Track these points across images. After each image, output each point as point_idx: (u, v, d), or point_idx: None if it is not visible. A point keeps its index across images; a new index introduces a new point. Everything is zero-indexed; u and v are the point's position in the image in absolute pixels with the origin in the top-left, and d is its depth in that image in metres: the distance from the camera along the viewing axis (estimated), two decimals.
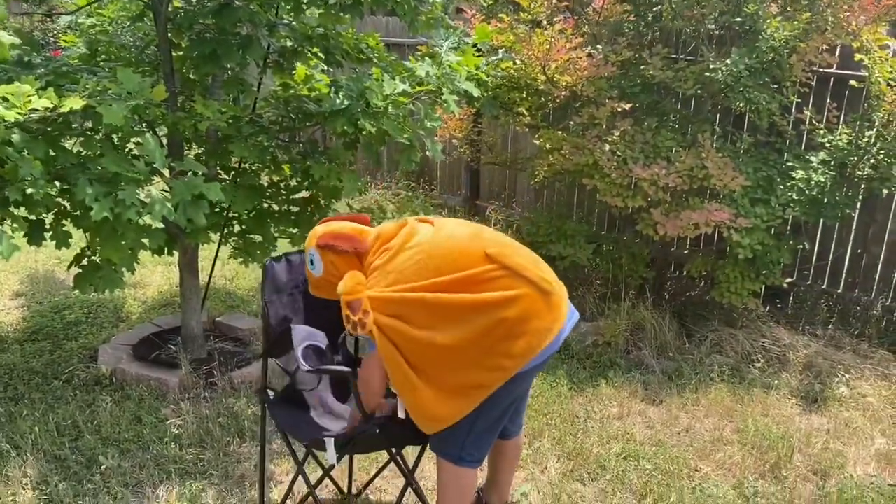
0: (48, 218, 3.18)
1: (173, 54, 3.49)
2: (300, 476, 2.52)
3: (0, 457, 3.02)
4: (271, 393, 2.62)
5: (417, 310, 2.21)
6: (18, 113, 2.40)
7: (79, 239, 3.25)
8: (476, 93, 3.46)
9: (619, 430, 3.49)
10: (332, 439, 2.34)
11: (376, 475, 2.92)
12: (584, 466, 3.18)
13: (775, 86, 4.31)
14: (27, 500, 2.80)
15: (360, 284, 2.23)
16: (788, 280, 4.60)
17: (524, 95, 4.75)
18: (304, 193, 3.77)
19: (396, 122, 3.16)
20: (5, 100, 2.39)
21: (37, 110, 2.51)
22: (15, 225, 2.83)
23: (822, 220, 4.66)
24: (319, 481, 2.64)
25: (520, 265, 2.27)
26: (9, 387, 3.63)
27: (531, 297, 2.26)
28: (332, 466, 2.50)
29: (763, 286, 4.48)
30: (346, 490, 2.94)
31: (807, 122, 4.50)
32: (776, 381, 4.00)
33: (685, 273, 4.93)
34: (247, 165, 3.77)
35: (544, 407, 3.63)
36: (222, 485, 2.95)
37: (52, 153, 2.94)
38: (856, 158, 4.24)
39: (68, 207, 3.12)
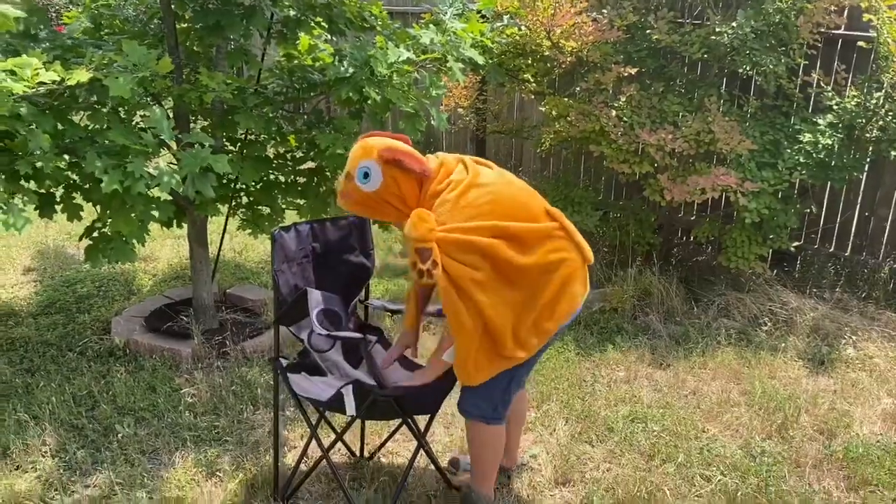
0: (58, 192, 3.21)
1: (177, 26, 3.49)
2: (314, 440, 2.57)
3: (19, 426, 3.08)
4: (284, 361, 2.65)
5: (484, 259, 2.18)
6: (26, 86, 2.41)
7: (89, 213, 3.28)
8: (481, 60, 3.45)
9: (626, 394, 3.53)
10: (351, 390, 2.38)
11: (388, 438, 2.97)
12: (593, 429, 3.22)
13: (782, 48, 4.28)
14: (47, 467, 2.86)
15: (432, 231, 2.13)
16: (795, 244, 4.60)
17: (530, 62, 4.72)
18: (310, 164, 3.78)
19: (401, 91, 3.16)
20: (13, 73, 2.40)
21: (44, 83, 2.52)
22: (26, 198, 2.85)
23: (829, 184, 4.65)
24: (332, 445, 2.69)
25: (573, 229, 2.36)
26: (24, 359, 3.69)
27: (577, 261, 2.35)
28: (352, 421, 2.59)
29: (770, 250, 4.49)
30: (358, 453, 2.99)
31: (814, 85, 4.46)
32: (783, 344, 4.03)
33: (693, 238, 4.94)
34: (253, 137, 3.78)
35: (552, 372, 3.67)
36: (237, 451, 3.00)
37: (59, 127, 2.96)
38: (864, 121, 4.22)
39: (77, 181, 3.14)
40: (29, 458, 2.91)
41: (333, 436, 2.75)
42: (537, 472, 2.91)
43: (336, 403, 2.43)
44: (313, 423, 2.59)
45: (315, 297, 2.40)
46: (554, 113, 4.58)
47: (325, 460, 2.55)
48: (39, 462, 2.89)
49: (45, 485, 2.77)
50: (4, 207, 2.66)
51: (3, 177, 2.77)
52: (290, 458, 2.97)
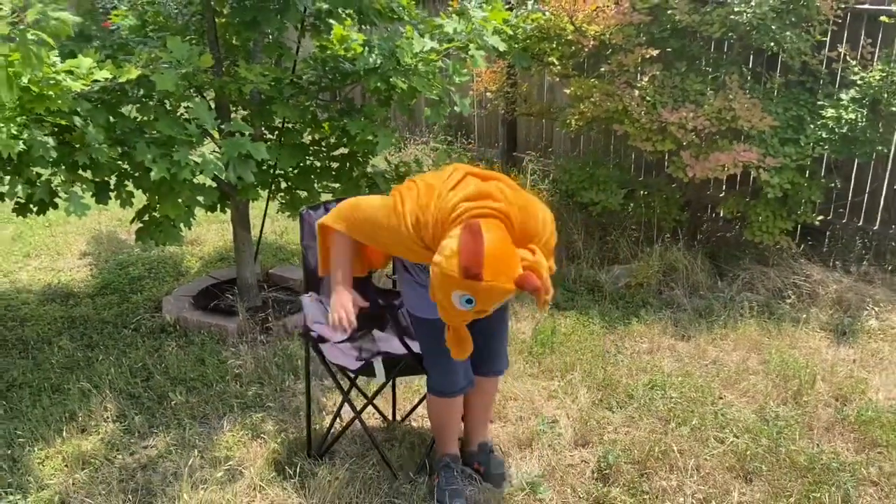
0: (112, 180, 3.47)
1: (216, 21, 3.71)
2: (346, 404, 2.80)
3: (83, 395, 3.37)
4: (315, 333, 2.87)
5: None
6: (83, 84, 2.66)
7: (140, 199, 3.54)
8: (502, 47, 3.61)
9: (647, 364, 3.68)
10: (380, 359, 2.62)
11: (419, 403, 3.18)
12: (613, 396, 3.39)
13: (804, 24, 4.33)
14: (110, 430, 3.15)
15: None
16: (819, 218, 4.67)
17: (554, 45, 4.85)
18: (343, 150, 3.99)
19: (426, 79, 3.34)
20: (70, 73, 2.65)
21: (98, 81, 2.77)
22: (84, 187, 3.12)
23: (856, 158, 4.70)
24: (363, 408, 2.92)
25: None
26: (84, 335, 3.99)
27: None
28: (382, 386, 2.81)
29: (796, 224, 4.57)
30: (390, 417, 3.21)
31: (840, 61, 4.50)
32: (805, 316, 4.12)
33: (719, 214, 5.03)
34: (289, 125, 4.00)
35: (577, 343, 3.84)
36: (280, 416, 3.25)
37: (111, 120, 3.22)
38: (888, 95, 4.25)
39: (129, 169, 3.40)
40: (93, 422, 3.19)
41: (365, 400, 2.98)
42: (558, 435, 3.09)
43: (366, 370, 2.66)
44: (345, 388, 2.82)
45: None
46: (579, 94, 4.71)
47: (357, 422, 2.77)
48: (102, 426, 3.18)
49: (108, 446, 3.05)
50: (66, 196, 2.93)
51: (64, 167, 3.03)
52: (326, 422, 3.20)
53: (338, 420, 3.08)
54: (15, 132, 2.61)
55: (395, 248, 2.41)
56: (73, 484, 2.83)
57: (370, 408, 3.10)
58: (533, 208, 2.32)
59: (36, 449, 3.02)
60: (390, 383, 3.06)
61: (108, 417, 3.23)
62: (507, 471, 2.87)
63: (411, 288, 2.61)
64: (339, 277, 2.49)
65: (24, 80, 2.43)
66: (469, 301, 2.14)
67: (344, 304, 2.45)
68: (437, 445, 2.81)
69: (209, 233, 5.49)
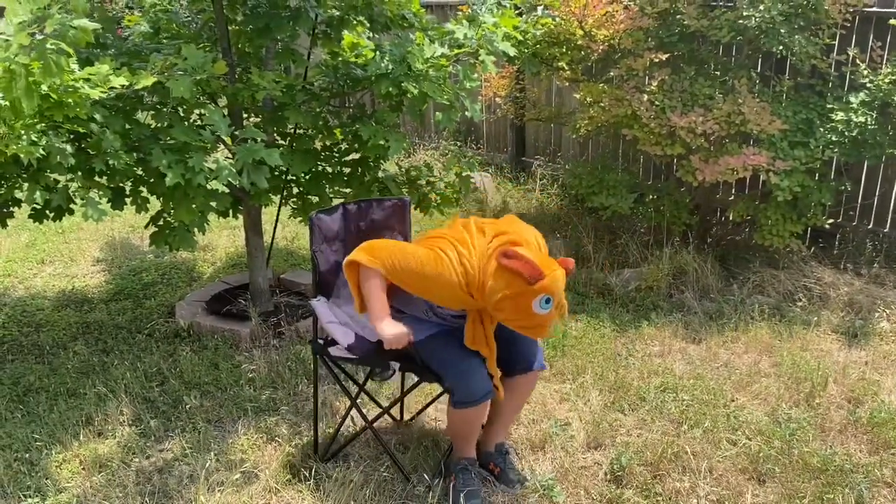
0: (127, 186, 3.51)
1: (229, 29, 3.76)
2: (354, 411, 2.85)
3: (99, 399, 3.40)
4: (321, 341, 2.90)
5: None
6: (101, 91, 2.69)
7: (155, 204, 3.58)
8: (512, 52, 3.63)
9: (659, 366, 3.69)
10: (397, 365, 2.72)
11: (429, 405, 3.21)
12: (625, 398, 3.40)
13: (814, 27, 4.34)
14: (126, 434, 3.18)
15: None
16: (830, 221, 4.67)
17: (564, 50, 4.88)
18: (355, 155, 4.02)
19: (437, 85, 3.36)
20: (88, 80, 2.69)
21: (114, 88, 2.80)
22: (100, 192, 3.16)
23: (865, 161, 4.70)
24: (377, 417, 2.93)
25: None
26: (99, 340, 4.03)
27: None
28: (401, 396, 2.92)
29: (806, 228, 4.57)
30: (398, 418, 3.24)
31: (849, 64, 4.51)
32: (816, 318, 4.12)
33: (729, 218, 5.04)
34: (302, 131, 4.04)
35: (588, 346, 3.85)
36: (293, 419, 3.27)
37: (127, 126, 3.26)
38: None
39: (144, 175, 3.44)
40: (109, 426, 3.23)
41: (374, 404, 3.00)
42: (570, 438, 3.10)
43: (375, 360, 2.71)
44: (353, 395, 2.87)
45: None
46: (588, 99, 4.74)
47: (369, 430, 2.83)
48: (118, 430, 3.21)
49: (125, 449, 3.08)
50: (83, 201, 2.97)
51: (81, 173, 3.07)
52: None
53: (351, 423, 3.11)
54: (35, 139, 2.65)
55: (440, 294, 2.52)
56: (91, 487, 2.86)
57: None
58: (529, 234, 2.56)
59: (53, 452, 3.06)
60: (398, 383, 3.09)
61: (123, 421, 3.27)
62: (523, 472, 2.89)
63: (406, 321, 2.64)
64: (381, 309, 2.54)
65: (44, 88, 2.47)
66: (548, 301, 2.34)
67: (400, 332, 2.51)
68: (455, 450, 2.80)
69: (221, 238, 5.53)
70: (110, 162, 3.03)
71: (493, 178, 6.51)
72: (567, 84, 5.44)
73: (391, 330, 2.50)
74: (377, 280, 2.53)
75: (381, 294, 2.54)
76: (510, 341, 2.71)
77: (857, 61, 4.45)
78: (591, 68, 5.14)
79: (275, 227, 4.48)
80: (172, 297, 4.53)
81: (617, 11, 4.55)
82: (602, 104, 4.55)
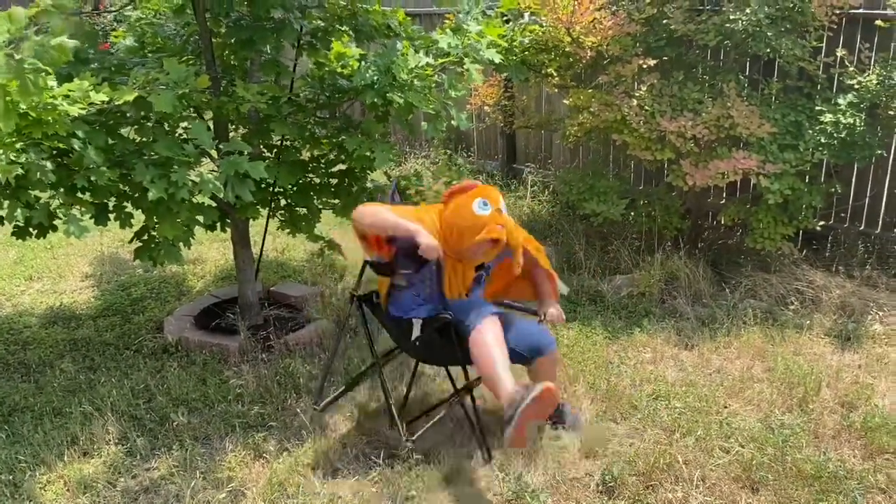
0: (111, 201, 3.47)
1: (213, 41, 3.73)
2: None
3: (85, 417, 3.36)
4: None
5: None
6: (80, 108, 2.66)
7: (140, 218, 3.54)
8: (497, 59, 3.61)
9: (651, 374, 3.66)
10: (420, 321, 2.91)
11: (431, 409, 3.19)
12: (617, 407, 3.37)
13: (801, 29, 4.33)
14: (111, 453, 3.14)
15: None
16: (821, 223, 4.65)
17: (552, 57, 4.86)
18: (342, 166, 4.00)
19: (422, 94, 3.34)
20: (67, 96, 2.66)
21: (95, 104, 2.78)
22: (83, 209, 3.12)
23: (855, 163, 4.69)
24: (459, 391, 3.09)
25: None
26: (86, 357, 3.99)
27: None
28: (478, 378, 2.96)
29: (797, 230, 4.55)
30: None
31: (837, 65, 4.50)
32: (809, 322, 4.10)
33: (721, 222, 5.02)
34: (288, 143, 4.01)
35: (579, 355, 3.83)
36: (282, 435, 3.24)
37: (110, 141, 3.23)
38: (886, 99, 4.24)
39: (128, 190, 3.40)
40: (95, 445, 3.18)
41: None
42: (562, 448, 3.07)
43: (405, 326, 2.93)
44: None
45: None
46: (577, 105, 4.71)
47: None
48: (104, 449, 3.17)
49: (110, 469, 3.04)
50: (65, 218, 2.93)
51: (63, 190, 3.04)
52: (330, 435, 3.18)
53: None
54: (13, 157, 2.61)
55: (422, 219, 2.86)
56: None
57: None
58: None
59: (38, 474, 3.01)
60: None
61: (109, 440, 3.23)
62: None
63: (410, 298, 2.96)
64: (408, 223, 2.78)
65: (23, 106, 2.44)
66: (485, 203, 2.79)
67: (436, 243, 2.75)
68: (500, 391, 2.62)
69: (211, 251, 5.49)
70: (92, 178, 2.99)
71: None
72: (556, 91, 5.42)
73: (430, 239, 2.71)
74: (380, 208, 2.91)
75: (395, 213, 2.83)
76: (524, 334, 2.94)
77: (846, 62, 4.44)
78: (579, 75, 5.12)
79: (263, 240, 4.45)
80: (161, 312, 4.49)
81: (604, 18, 4.54)
82: (591, 110, 4.53)
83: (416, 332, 2.91)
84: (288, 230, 4.17)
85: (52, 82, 2.54)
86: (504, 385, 2.61)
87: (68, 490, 2.93)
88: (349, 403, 3.44)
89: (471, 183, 2.87)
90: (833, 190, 4.70)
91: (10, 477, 3.00)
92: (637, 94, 4.43)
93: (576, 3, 4.50)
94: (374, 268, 3.02)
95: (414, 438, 3.03)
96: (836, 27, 4.40)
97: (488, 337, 2.72)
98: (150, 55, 3.91)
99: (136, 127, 3.43)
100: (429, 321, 2.89)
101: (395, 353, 3.37)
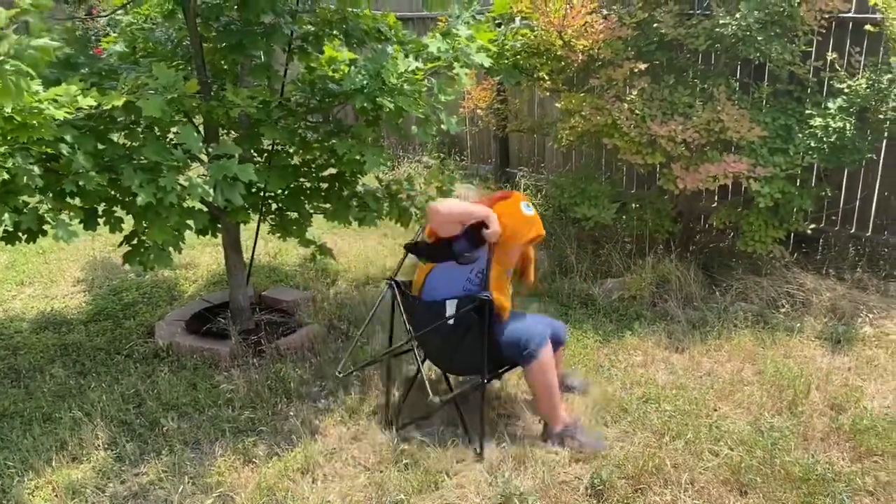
0: (100, 206, 3.47)
1: (204, 46, 3.73)
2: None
3: (74, 423, 3.35)
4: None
5: None
6: (67, 112, 2.66)
7: (131, 224, 3.54)
8: (487, 63, 3.61)
9: (641, 377, 3.67)
10: (455, 301, 3.08)
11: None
12: (607, 410, 3.37)
13: (790, 33, 4.35)
14: (101, 459, 3.13)
15: None
16: (812, 226, 4.67)
17: (544, 60, 4.87)
18: (332, 170, 4.00)
19: (412, 98, 3.34)
20: (55, 101, 2.66)
21: (82, 109, 2.77)
22: (72, 214, 3.12)
23: (845, 167, 4.70)
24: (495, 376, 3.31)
25: None
26: (77, 362, 3.98)
27: None
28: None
29: (788, 233, 4.56)
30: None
31: (826, 69, 4.52)
32: (799, 325, 4.11)
33: (712, 225, 5.03)
34: (279, 147, 4.01)
35: (570, 358, 3.83)
36: (272, 440, 3.23)
37: (99, 146, 3.22)
38: (875, 103, 4.26)
39: (117, 195, 3.40)
40: (84, 451, 3.18)
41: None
42: (552, 452, 3.07)
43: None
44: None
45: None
46: (569, 108, 4.72)
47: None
48: (93, 454, 3.16)
49: (99, 474, 3.03)
50: (54, 223, 2.93)
51: (51, 195, 3.03)
52: (320, 444, 3.18)
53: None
54: None
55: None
56: None
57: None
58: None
59: (26, 479, 3.00)
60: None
61: (99, 445, 3.22)
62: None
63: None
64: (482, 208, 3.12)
65: (7, 109, 2.44)
66: (528, 205, 3.16)
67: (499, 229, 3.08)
68: (553, 419, 3.17)
69: (203, 256, 5.49)
70: (81, 183, 2.99)
71: (478, 189, 6.49)
72: (548, 94, 5.43)
73: (497, 225, 3.04)
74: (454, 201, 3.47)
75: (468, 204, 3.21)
76: (555, 326, 3.36)
77: (836, 66, 4.46)
78: (571, 78, 5.14)
79: (254, 244, 4.45)
80: (152, 317, 4.48)
81: (595, 21, 4.55)
82: (583, 113, 4.54)
83: (449, 311, 3.08)
84: (279, 234, 4.16)
85: (37, 86, 2.54)
86: (561, 413, 3.18)
87: (56, 496, 2.92)
88: (340, 407, 3.44)
89: (507, 192, 3.27)
90: (823, 193, 4.72)
91: None
92: (628, 99, 4.44)
93: (567, 6, 4.51)
94: (424, 252, 3.27)
95: (401, 426, 3.22)
96: (825, 31, 4.42)
97: (552, 365, 3.15)
98: (141, 60, 3.90)
99: (125, 132, 3.43)
100: (464, 300, 3.07)
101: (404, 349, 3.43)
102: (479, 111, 5.81)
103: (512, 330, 3.13)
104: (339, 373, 3.46)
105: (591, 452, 3.06)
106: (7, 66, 2.04)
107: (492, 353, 3.09)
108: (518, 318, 3.21)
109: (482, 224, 3.04)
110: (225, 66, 3.98)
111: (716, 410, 3.38)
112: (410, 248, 3.29)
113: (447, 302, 3.10)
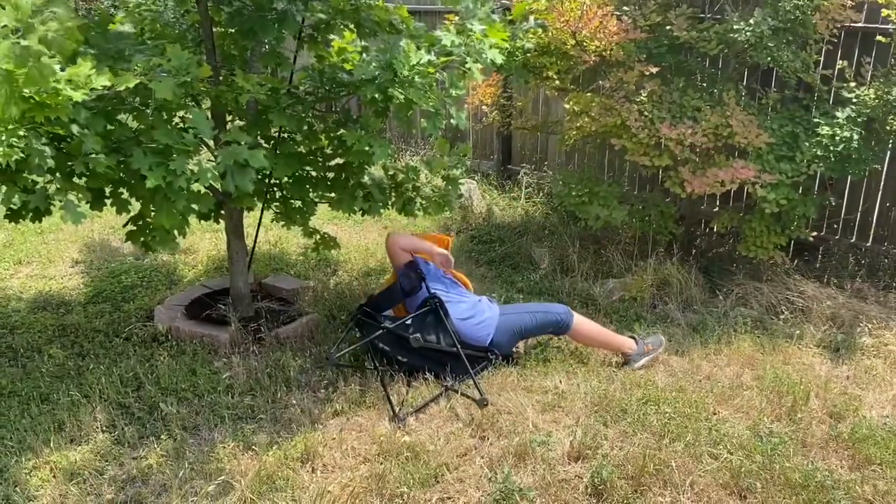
0: (108, 188, 3.45)
1: (214, 30, 3.71)
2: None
3: (73, 404, 3.34)
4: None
5: None
6: (84, 93, 2.63)
7: (136, 207, 3.52)
8: (499, 60, 3.60)
9: (641, 378, 3.67)
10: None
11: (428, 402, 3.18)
12: (607, 410, 3.37)
13: (804, 41, 4.35)
14: (99, 441, 3.12)
15: None
16: (814, 234, 4.68)
17: (553, 60, 4.85)
18: (339, 160, 3.99)
19: (422, 91, 3.33)
20: (70, 81, 2.63)
21: (96, 90, 2.74)
22: (80, 195, 3.10)
23: (850, 176, 4.71)
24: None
25: None
26: (75, 344, 3.96)
27: None
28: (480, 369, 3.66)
29: (790, 241, 4.58)
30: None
31: (835, 78, 4.52)
32: (799, 332, 4.12)
33: (714, 229, 5.04)
34: (286, 135, 3.99)
35: (570, 357, 3.83)
36: (271, 427, 3.23)
37: (109, 128, 3.20)
38: (882, 113, 4.27)
39: (124, 177, 3.38)
40: (82, 432, 3.16)
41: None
42: (551, 449, 3.07)
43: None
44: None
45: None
46: (577, 109, 4.72)
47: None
48: (92, 436, 3.15)
49: (98, 457, 3.02)
50: (62, 204, 2.91)
51: (60, 175, 3.01)
52: (320, 435, 3.17)
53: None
54: (14, 141, 2.58)
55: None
56: (61, 495, 2.80)
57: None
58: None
59: (24, 459, 2.99)
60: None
61: (98, 428, 3.20)
62: None
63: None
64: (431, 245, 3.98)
65: (27, 91, 2.41)
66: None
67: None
68: (621, 347, 3.84)
69: (203, 241, 5.47)
70: (90, 164, 2.97)
71: (479, 185, 6.49)
72: (555, 94, 5.42)
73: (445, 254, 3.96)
74: (408, 236, 4.07)
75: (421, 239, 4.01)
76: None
77: (846, 75, 4.46)
78: (578, 78, 5.13)
79: (257, 231, 4.43)
80: (152, 301, 4.46)
81: (610, 23, 4.54)
82: (592, 114, 4.54)
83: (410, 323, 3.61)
84: (282, 223, 4.15)
85: (55, 66, 2.51)
86: (623, 339, 3.87)
87: (54, 476, 2.90)
88: (340, 398, 3.44)
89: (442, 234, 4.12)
90: (827, 202, 4.73)
91: None
92: (638, 100, 4.44)
93: (583, 8, 4.50)
94: (380, 300, 3.85)
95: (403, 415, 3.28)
96: (835, 40, 4.43)
97: (583, 318, 3.86)
98: (148, 42, 3.87)
99: (134, 114, 3.40)
100: (427, 300, 3.68)
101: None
102: (484, 107, 5.80)
103: (535, 318, 3.78)
104: (332, 356, 3.61)
105: (663, 349, 3.89)
106: (34, 53, 2.01)
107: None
108: (530, 308, 3.90)
109: (413, 263, 3.81)
110: (234, 52, 3.96)
111: (715, 414, 3.39)
112: (367, 304, 3.83)
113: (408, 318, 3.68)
